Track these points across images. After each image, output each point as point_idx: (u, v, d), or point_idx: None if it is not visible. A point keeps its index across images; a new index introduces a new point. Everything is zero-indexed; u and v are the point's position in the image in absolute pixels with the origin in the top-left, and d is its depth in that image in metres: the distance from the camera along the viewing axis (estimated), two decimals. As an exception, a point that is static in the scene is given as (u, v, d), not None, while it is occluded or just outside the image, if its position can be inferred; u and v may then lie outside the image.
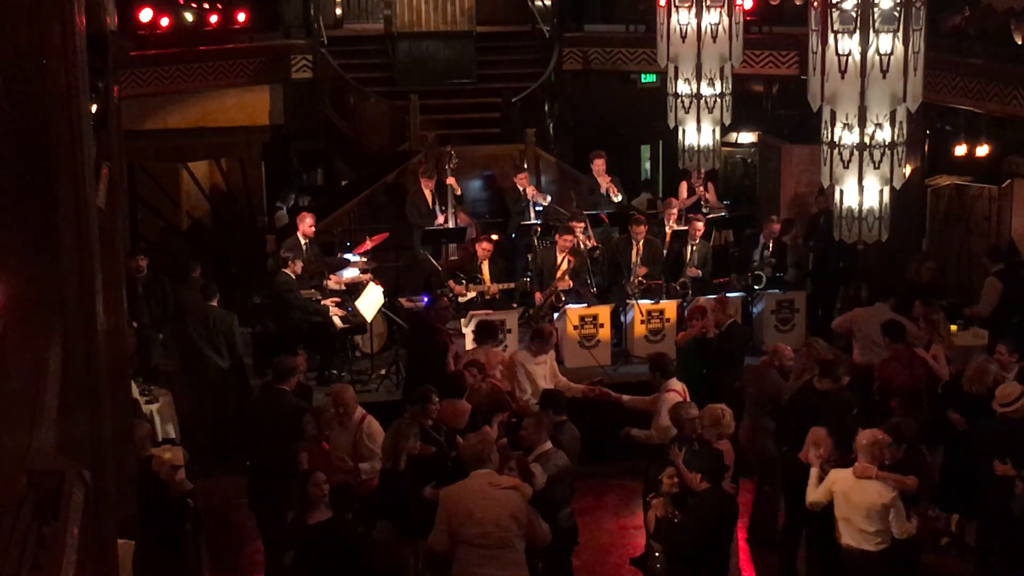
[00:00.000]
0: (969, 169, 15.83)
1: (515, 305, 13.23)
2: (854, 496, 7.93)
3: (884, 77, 8.47)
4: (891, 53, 8.44)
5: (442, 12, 18.14)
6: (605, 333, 12.81)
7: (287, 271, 12.49)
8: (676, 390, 9.54)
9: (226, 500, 10.86)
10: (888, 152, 8.64)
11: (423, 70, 18.05)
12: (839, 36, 8.51)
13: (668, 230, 14.14)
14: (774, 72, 17.07)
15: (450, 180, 14.50)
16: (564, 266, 13.02)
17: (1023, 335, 10.80)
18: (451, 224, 14.40)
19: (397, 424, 8.71)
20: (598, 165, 15.17)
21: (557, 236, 13.33)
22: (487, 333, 10.92)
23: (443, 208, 14.47)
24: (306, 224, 13.64)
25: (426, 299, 13.37)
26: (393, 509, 8.28)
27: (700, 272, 13.58)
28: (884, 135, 8.61)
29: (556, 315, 12.77)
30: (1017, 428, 8.66)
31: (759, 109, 18.43)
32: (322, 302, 12.62)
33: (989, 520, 8.92)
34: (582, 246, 13.46)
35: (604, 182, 15.06)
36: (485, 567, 7.30)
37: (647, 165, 20.78)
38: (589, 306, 12.91)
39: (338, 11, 20.32)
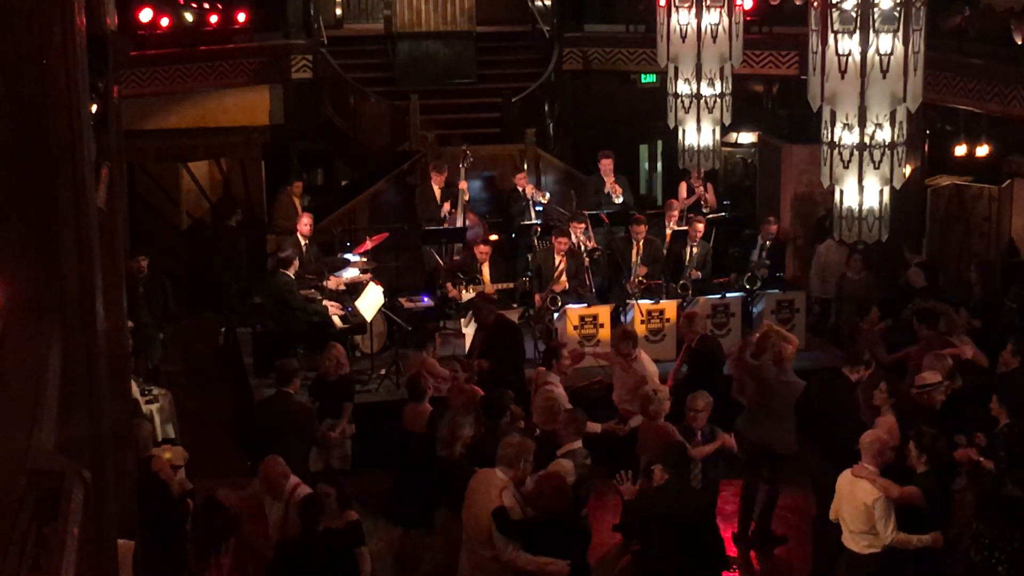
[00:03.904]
0: (969, 169, 15.82)
1: (515, 305, 13.24)
2: (848, 494, 8.01)
3: (884, 77, 8.46)
4: (891, 53, 8.42)
5: (442, 12, 18.13)
6: (605, 333, 12.80)
7: (287, 271, 12.50)
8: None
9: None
10: (888, 152, 8.62)
11: (423, 70, 18.04)
12: (839, 36, 8.49)
13: (668, 230, 14.15)
14: (774, 72, 17.06)
15: (462, 184, 14.56)
16: (561, 267, 13.04)
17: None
18: (460, 223, 14.43)
19: (452, 414, 9.07)
20: (605, 165, 15.21)
21: (552, 239, 13.33)
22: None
23: (452, 207, 14.53)
24: (303, 224, 13.65)
25: (426, 299, 13.41)
26: (449, 496, 8.43)
27: (700, 274, 13.58)
28: (884, 135, 8.60)
29: (556, 315, 12.78)
30: (924, 411, 8.76)
31: (759, 109, 18.41)
32: (323, 302, 12.63)
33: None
34: (582, 247, 13.47)
35: (610, 182, 15.09)
36: (465, 555, 7.58)
37: (646, 165, 20.78)
38: (589, 306, 12.91)
39: (338, 11, 20.33)
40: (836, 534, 8.41)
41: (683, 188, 15.89)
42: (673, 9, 11.43)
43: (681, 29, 11.41)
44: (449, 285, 13.33)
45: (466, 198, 14.69)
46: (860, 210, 8.73)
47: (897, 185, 8.82)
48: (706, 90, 11.50)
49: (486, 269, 13.31)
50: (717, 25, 11.30)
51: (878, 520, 7.78)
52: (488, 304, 11.64)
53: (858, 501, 7.89)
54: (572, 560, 7.43)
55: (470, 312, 12.67)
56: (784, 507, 10.43)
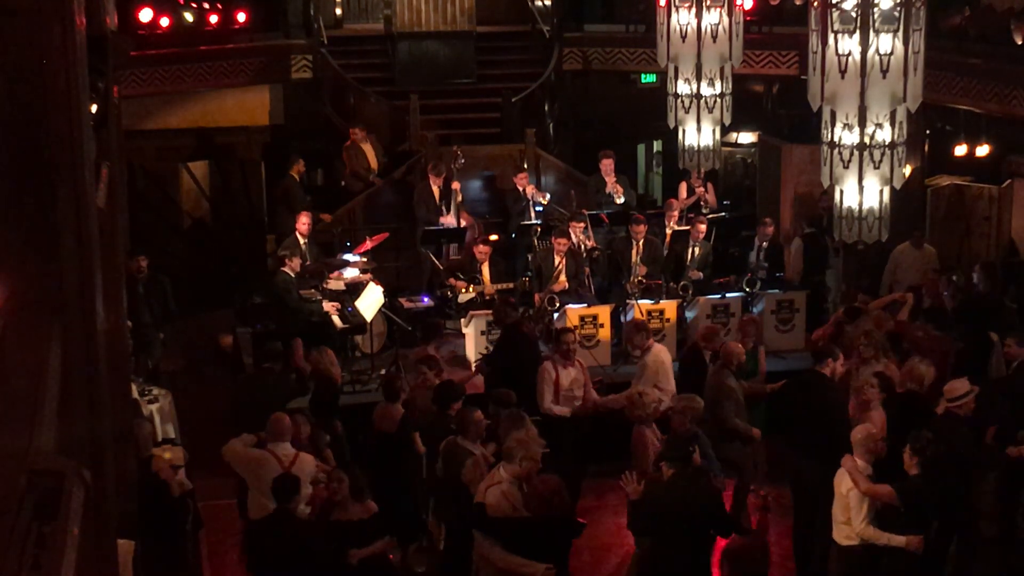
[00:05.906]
0: (969, 169, 15.83)
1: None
2: (836, 484, 8.12)
3: (884, 77, 8.47)
4: (891, 53, 8.43)
5: (442, 12, 18.15)
6: (605, 333, 12.80)
7: (286, 270, 12.51)
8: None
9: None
10: (888, 152, 8.63)
11: (423, 70, 18.06)
12: (839, 36, 8.50)
13: (668, 230, 14.15)
14: (774, 72, 17.07)
15: (455, 185, 14.57)
16: (561, 267, 13.05)
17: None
18: (454, 223, 14.43)
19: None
20: (606, 165, 15.22)
21: (552, 239, 13.34)
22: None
23: (448, 208, 14.53)
24: (302, 223, 13.65)
25: (426, 299, 13.40)
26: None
27: (701, 275, 13.59)
28: (884, 135, 8.61)
29: (555, 315, 12.78)
30: (962, 424, 8.65)
31: (759, 109, 18.42)
32: (322, 302, 12.63)
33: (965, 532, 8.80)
34: (581, 247, 13.47)
35: (611, 182, 15.09)
36: None
37: (647, 165, 20.79)
38: (589, 306, 12.90)
39: (338, 11, 20.33)
40: (816, 532, 8.45)
41: (683, 188, 15.88)
42: (673, 9, 11.44)
43: (681, 29, 11.42)
44: (452, 280, 13.34)
45: (459, 199, 14.68)
46: (860, 210, 8.74)
47: (897, 185, 8.83)
48: (706, 90, 11.51)
49: (486, 269, 13.31)
50: (717, 25, 11.30)
51: (851, 510, 7.92)
52: (509, 307, 11.62)
53: (839, 491, 8.05)
54: (558, 564, 7.40)
55: (470, 312, 12.69)
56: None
